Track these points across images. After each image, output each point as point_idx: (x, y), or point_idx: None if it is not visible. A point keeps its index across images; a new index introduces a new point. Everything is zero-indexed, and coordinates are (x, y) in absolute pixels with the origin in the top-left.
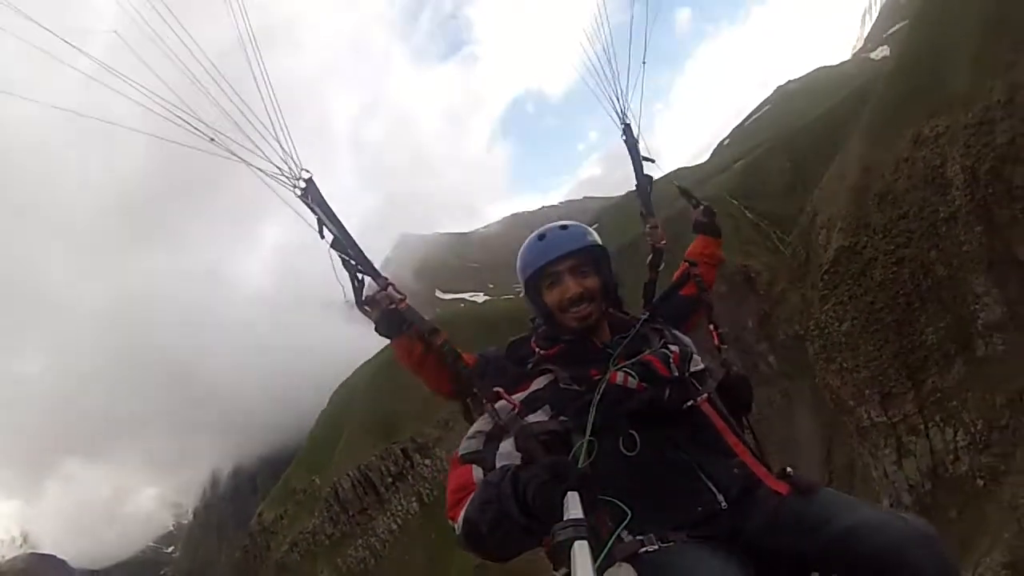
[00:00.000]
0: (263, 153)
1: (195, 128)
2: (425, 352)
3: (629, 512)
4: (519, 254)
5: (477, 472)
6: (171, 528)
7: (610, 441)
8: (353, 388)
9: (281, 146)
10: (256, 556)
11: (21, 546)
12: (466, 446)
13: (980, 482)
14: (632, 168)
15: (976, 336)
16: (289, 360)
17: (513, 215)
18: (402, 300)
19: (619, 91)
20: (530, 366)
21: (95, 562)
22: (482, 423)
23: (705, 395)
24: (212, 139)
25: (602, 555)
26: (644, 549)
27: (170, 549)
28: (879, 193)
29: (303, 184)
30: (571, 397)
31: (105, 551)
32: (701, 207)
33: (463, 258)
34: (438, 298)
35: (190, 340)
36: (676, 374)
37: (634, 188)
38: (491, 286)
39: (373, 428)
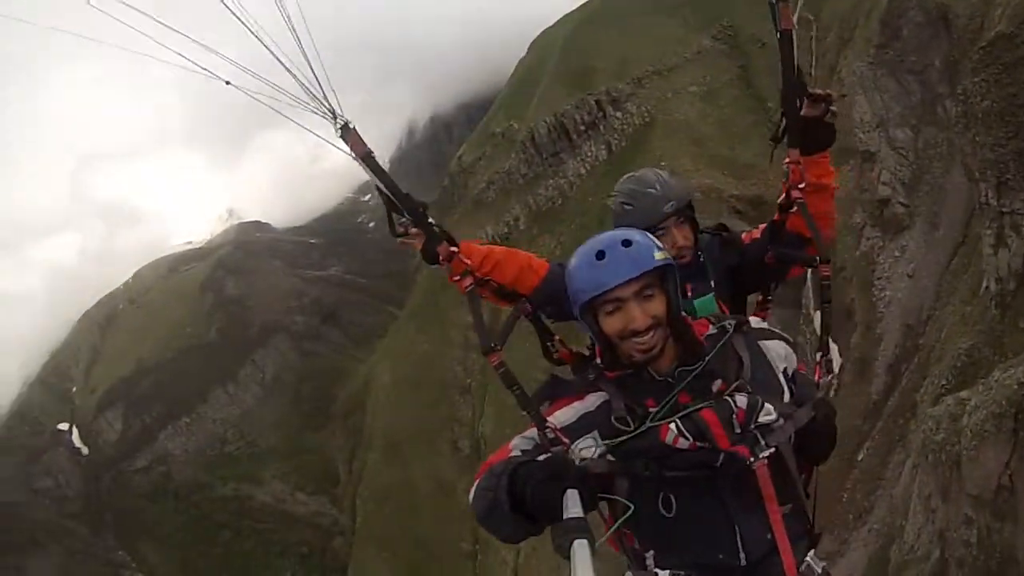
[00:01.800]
0: (297, 93)
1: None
2: (481, 275)
3: (632, 506)
4: (571, 270)
5: (514, 454)
6: (367, 178)
7: (649, 492)
8: (552, 38)
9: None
10: (454, 194)
11: (227, 220)
12: (516, 443)
13: None
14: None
15: None
16: (486, 7)
17: None
18: (465, 276)
19: None
20: (592, 377)
21: (297, 219)
22: (536, 432)
23: (765, 459)
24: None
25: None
26: None
27: (367, 198)
28: None
29: (341, 125)
30: (620, 433)
31: (306, 208)
32: (808, 95)
33: None
34: None
35: None
36: (738, 435)
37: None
38: None
39: (569, 79)
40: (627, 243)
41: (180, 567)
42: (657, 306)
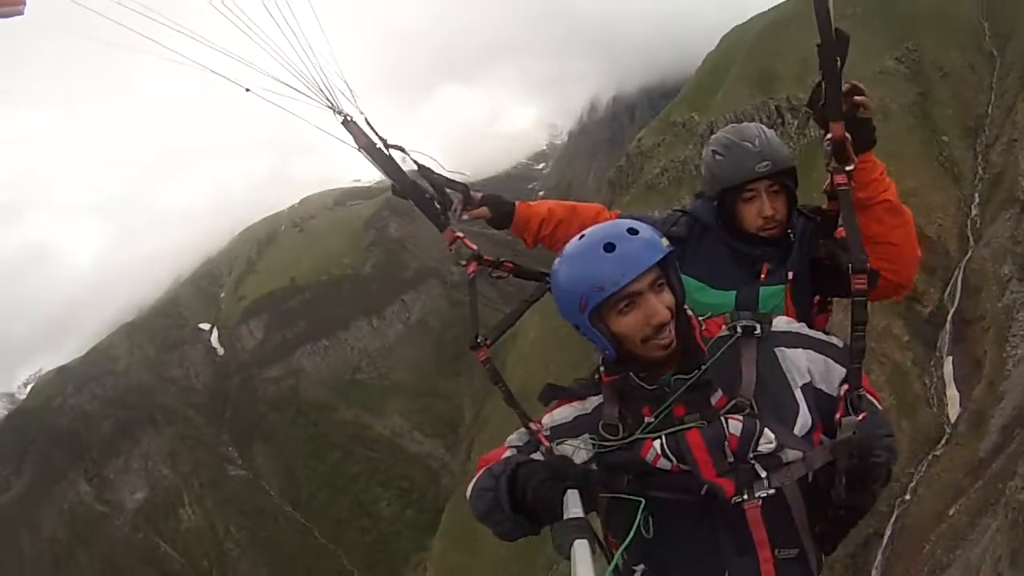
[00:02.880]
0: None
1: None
2: (537, 238)
3: (643, 501)
4: (570, 272)
5: (508, 452)
6: (544, 147)
7: (632, 510)
8: (742, 35)
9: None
10: (629, 175)
11: (403, 161)
12: (512, 439)
13: None
14: None
15: None
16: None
17: None
18: (471, 260)
19: None
20: (595, 379)
21: (467, 176)
22: (526, 435)
23: (758, 502)
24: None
25: (612, 563)
26: None
27: (541, 166)
28: None
29: (345, 114)
30: (607, 441)
31: (479, 165)
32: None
33: None
34: None
35: None
36: (729, 463)
37: None
38: None
39: (753, 79)
40: (633, 231)
41: (284, 474)
42: (670, 298)
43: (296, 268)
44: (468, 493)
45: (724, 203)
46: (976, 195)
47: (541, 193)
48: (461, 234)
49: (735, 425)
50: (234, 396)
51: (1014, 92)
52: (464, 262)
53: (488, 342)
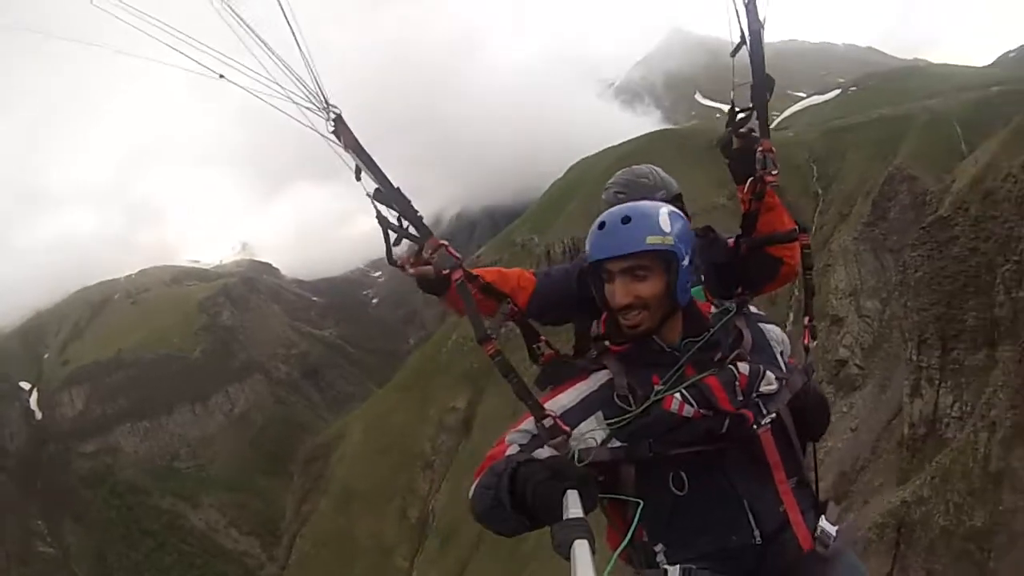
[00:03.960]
0: (286, 86)
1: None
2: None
3: (640, 503)
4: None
5: (512, 449)
6: (383, 255)
7: (658, 474)
8: (591, 166)
9: (309, 76)
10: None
11: (239, 252)
12: (512, 437)
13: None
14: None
15: None
16: (537, 127)
17: (794, 40)
18: (455, 268)
19: None
20: (595, 354)
21: (306, 274)
22: (532, 423)
23: (768, 425)
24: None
25: (609, 565)
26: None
27: (377, 274)
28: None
29: (333, 119)
30: (623, 412)
31: (317, 266)
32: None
33: (729, 67)
34: (697, 101)
35: (445, 84)
36: (740, 400)
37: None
38: (751, 105)
39: (594, 206)
40: (626, 220)
41: (95, 558)
42: (646, 288)
43: (124, 340)
44: (471, 491)
45: None
46: (790, 314)
47: (375, 301)
48: (445, 242)
49: (744, 367)
50: (47, 465)
51: (832, 225)
52: (447, 271)
53: (494, 336)
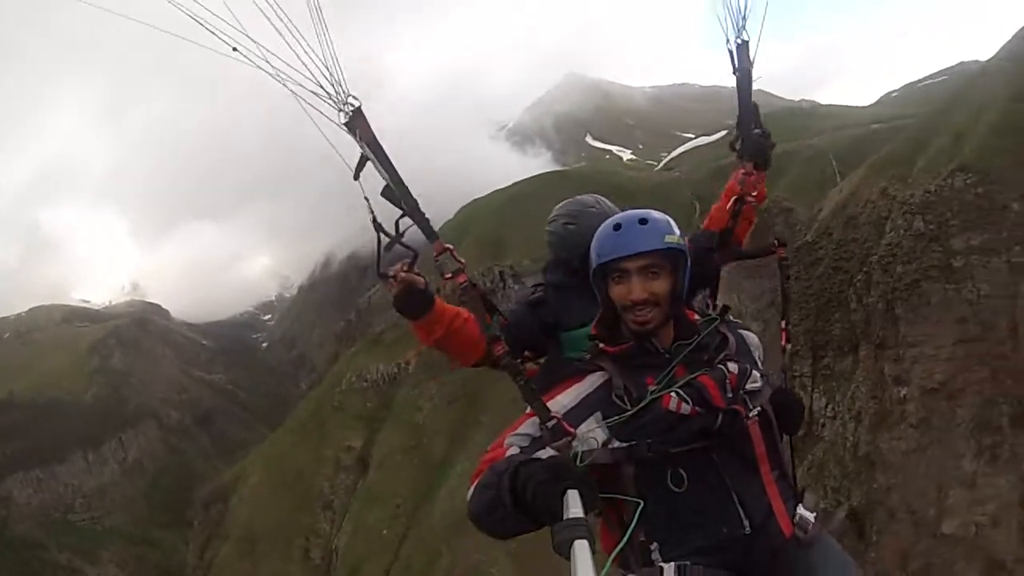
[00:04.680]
0: (302, 71)
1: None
2: (447, 333)
3: (641, 503)
4: (594, 237)
5: (511, 451)
6: (273, 298)
7: (657, 472)
8: (481, 208)
9: (326, 65)
10: (356, 330)
11: (129, 293)
12: (511, 440)
13: None
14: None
15: None
16: (431, 169)
17: (685, 83)
18: (459, 272)
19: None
20: (590, 356)
21: (195, 317)
22: (532, 426)
23: (755, 418)
24: (235, 48)
25: (605, 568)
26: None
27: (267, 317)
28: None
29: (350, 110)
30: (621, 412)
31: (207, 309)
32: (759, 130)
33: (622, 111)
34: (587, 143)
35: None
36: (730, 397)
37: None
38: (640, 146)
39: (485, 248)
40: (643, 221)
41: None
42: (660, 285)
43: (15, 382)
44: (469, 491)
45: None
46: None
47: (265, 345)
48: (451, 246)
49: (732, 366)
50: None
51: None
52: (450, 274)
53: (500, 336)
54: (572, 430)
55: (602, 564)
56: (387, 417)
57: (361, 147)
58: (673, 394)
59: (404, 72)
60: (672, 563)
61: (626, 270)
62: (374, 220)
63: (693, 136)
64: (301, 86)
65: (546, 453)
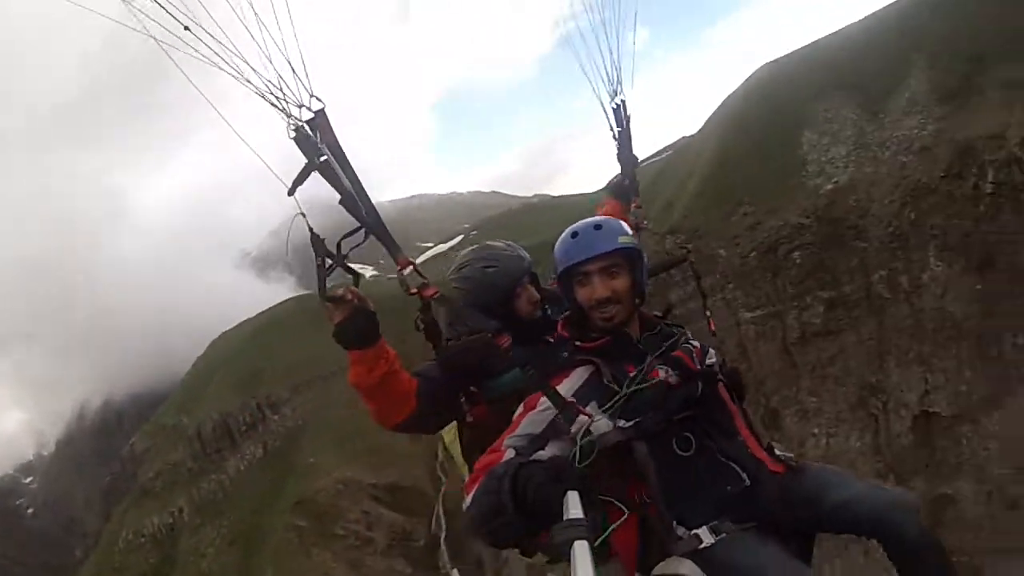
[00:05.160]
0: (257, 72)
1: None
2: (389, 372)
3: (626, 512)
4: (555, 247)
5: (509, 454)
6: (31, 458)
7: (663, 443)
8: (230, 341)
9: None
10: (123, 482)
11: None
12: (510, 442)
13: None
14: (617, 149)
15: None
16: (176, 302)
17: (420, 195)
18: (425, 287)
19: (613, 65)
20: (565, 353)
21: None
22: (531, 424)
23: (722, 382)
24: (187, 28)
25: (602, 538)
26: (703, 545)
27: (28, 480)
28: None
29: (307, 115)
30: (613, 394)
31: None
32: (628, 180)
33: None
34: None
35: (82, 260)
36: (701, 368)
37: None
38: (382, 261)
39: (239, 380)
40: (598, 227)
41: None
42: (620, 283)
43: None
44: (469, 498)
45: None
46: (440, 443)
47: (31, 511)
48: (415, 262)
49: (696, 343)
50: None
51: None
52: (416, 289)
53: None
54: (588, 412)
55: (631, 571)
56: (172, 571)
57: (312, 155)
58: (661, 370)
59: (146, 200)
60: (704, 527)
61: (588, 272)
62: (315, 239)
63: (432, 244)
64: (254, 84)
65: (546, 452)
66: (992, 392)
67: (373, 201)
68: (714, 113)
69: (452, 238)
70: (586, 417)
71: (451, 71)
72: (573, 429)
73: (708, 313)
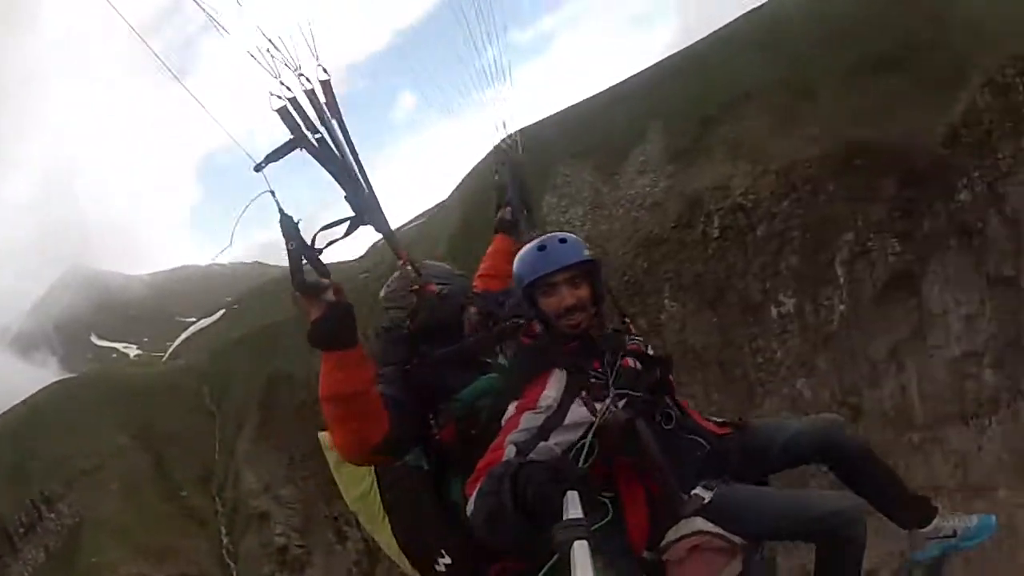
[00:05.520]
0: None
1: None
2: (372, 379)
3: (610, 511)
4: (517, 260)
5: (510, 451)
6: None
7: (649, 421)
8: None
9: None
10: None
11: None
12: (511, 438)
13: None
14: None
15: None
16: None
17: (183, 266)
18: (427, 282)
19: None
20: (546, 356)
21: None
22: (532, 419)
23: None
24: None
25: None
26: (706, 501)
27: None
28: None
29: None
30: (600, 386)
31: None
32: (509, 207)
33: (124, 304)
34: (93, 343)
35: None
36: (656, 355)
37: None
38: (145, 339)
39: (7, 476)
40: (563, 241)
41: None
42: (584, 292)
43: None
44: (471, 501)
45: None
46: (222, 527)
47: None
48: (414, 260)
49: (640, 337)
50: None
51: (233, 436)
52: (417, 287)
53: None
54: (610, 389)
55: (638, 550)
56: None
57: (300, 131)
58: (629, 361)
59: None
60: (699, 487)
61: (554, 283)
62: (288, 225)
63: (194, 320)
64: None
65: (546, 448)
66: (741, 409)
67: (135, 274)
68: (463, 180)
69: (213, 312)
70: (602, 402)
71: (212, 133)
72: (588, 413)
73: (627, 321)
